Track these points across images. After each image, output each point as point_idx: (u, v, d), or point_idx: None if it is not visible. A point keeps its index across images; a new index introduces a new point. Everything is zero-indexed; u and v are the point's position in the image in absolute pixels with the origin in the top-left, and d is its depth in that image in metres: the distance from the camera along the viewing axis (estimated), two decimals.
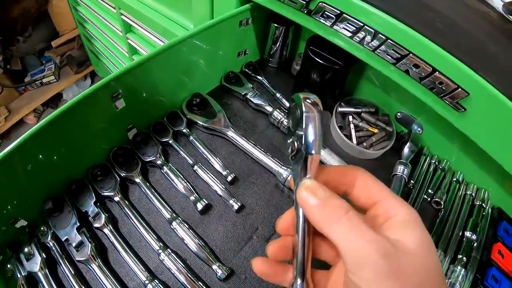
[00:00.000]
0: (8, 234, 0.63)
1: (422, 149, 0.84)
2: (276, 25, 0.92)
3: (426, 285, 0.29)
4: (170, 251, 0.63)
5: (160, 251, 0.62)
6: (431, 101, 0.62)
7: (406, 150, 0.79)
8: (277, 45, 0.96)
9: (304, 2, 0.66)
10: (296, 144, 0.33)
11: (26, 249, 0.62)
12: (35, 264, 0.61)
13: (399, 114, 0.82)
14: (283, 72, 1.01)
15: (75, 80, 2.68)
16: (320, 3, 0.64)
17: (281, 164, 0.74)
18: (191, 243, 0.63)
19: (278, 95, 0.91)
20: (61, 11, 2.39)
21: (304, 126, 0.32)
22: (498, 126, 0.56)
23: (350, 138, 0.81)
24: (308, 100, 0.32)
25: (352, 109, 0.85)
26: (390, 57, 0.61)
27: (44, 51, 2.64)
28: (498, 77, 0.54)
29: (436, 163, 0.83)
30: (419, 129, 0.80)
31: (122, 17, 1.48)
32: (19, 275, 0.60)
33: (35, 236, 0.65)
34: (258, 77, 0.94)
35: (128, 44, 1.57)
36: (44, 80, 2.52)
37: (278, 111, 0.84)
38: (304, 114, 0.32)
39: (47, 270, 0.61)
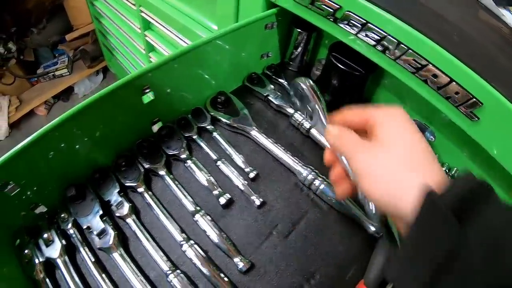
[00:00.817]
0: (26, 219, 0.64)
1: None
2: (299, 30, 0.93)
3: (408, 155, 0.41)
4: (192, 242, 0.64)
5: (183, 242, 0.64)
6: (446, 109, 0.64)
7: None
8: (298, 50, 0.98)
9: (332, 10, 0.68)
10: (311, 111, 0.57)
11: (45, 235, 0.63)
12: (55, 251, 0.61)
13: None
14: (303, 76, 1.03)
15: (88, 74, 2.70)
16: (347, 12, 0.66)
17: (301, 164, 0.75)
18: (214, 235, 0.65)
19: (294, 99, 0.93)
20: (76, 5, 2.42)
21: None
22: (509, 135, 0.58)
23: None
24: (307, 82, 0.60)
25: None
26: (410, 67, 0.63)
27: (57, 44, 2.67)
28: (510, 89, 0.56)
29: (447, 170, 0.84)
30: (431, 137, 0.83)
31: (142, 14, 1.50)
32: (37, 261, 0.60)
33: (54, 222, 0.66)
34: (280, 79, 0.96)
35: (145, 41, 1.59)
36: (57, 73, 2.55)
37: (299, 113, 0.86)
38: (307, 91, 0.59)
39: (66, 257, 0.62)
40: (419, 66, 0.62)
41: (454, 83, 0.59)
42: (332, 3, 0.67)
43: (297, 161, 0.76)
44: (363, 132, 0.47)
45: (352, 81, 0.86)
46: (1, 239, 0.61)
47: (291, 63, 1.02)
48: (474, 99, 0.58)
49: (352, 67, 0.82)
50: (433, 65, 0.60)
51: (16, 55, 2.41)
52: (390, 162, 0.41)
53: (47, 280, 0.60)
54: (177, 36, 1.34)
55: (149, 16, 1.47)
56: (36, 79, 2.59)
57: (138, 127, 0.76)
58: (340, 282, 0.64)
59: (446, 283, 0.32)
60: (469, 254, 0.32)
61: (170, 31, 1.38)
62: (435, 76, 0.61)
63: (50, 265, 0.61)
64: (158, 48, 1.55)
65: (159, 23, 1.42)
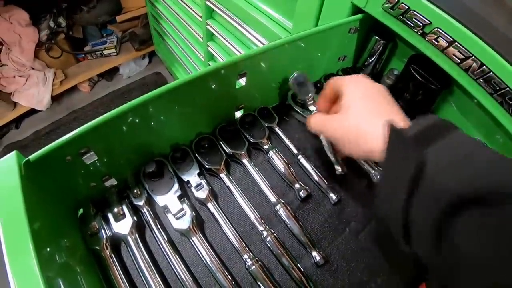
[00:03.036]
0: (95, 191, 0.64)
1: None
2: (377, 37, 0.94)
3: (369, 108, 0.51)
4: (272, 231, 0.65)
5: (263, 230, 0.64)
6: None
7: None
8: (373, 57, 0.99)
9: (421, 24, 0.69)
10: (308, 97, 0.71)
11: (115, 209, 0.62)
12: (126, 226, 0.61)
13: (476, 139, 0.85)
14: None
15: (134, 57, 2.75)
16: (436, 29, 0.67)
17: (374, 167, 0.76)
18: (295, 226, 0.65)
19: None
20: None
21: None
22: None
23: None
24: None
25: None
26: (489, 88, 0.64)
27: (106, 24, 2.72)
28: None
29: None
30: None
31: (207, 2, 1.51)
32: (104, 235, 0.59)
33: (124, 197, 0.66)
34: None
35: (206, 29, 1.61)
36: (105, 52, 2.60)
37: None
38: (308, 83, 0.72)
39: (137, 234, 0.61)
40: (498, 88, 0.63)
41: None
42: (423, 18, 0.68)
43: (371, 164, 0.76)
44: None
45: (426, 94, 0.86)
46: (66, 208, 0.60)
47: (363, 68, 1.03)
48: None
49: (429, 80, 0.83)
50: (511, 89, 0.61)
51: (65, 31, 2.46)
52: (357, 119, 0.51)
53: (113, 255, 0.59)
54: (244, 28, 1.35)
55: (214, 5, 1.48)
56: (83, 55, 2.64)
57: (223, 111, 0.76)
58: (404, 282, 0.65)
59: (418, 195, 0.38)
60: (431, 168, 0.37)
61: (236, 22, 1.38)
62: (511, 99, 0.62)
63: (114, 241, 0.61)
64: (218, 37, 1.56)
65: (224, 13, 1.43)
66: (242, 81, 0.72)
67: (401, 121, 0.47)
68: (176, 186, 0.66)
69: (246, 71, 0.69)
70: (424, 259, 0.41)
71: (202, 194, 0.67)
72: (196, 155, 0.72)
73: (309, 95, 0.71)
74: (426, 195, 0.37)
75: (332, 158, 0.65)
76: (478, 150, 0.37)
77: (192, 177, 0.69)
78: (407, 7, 0.70)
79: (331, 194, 0.71)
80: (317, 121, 0.59)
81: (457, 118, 0.90)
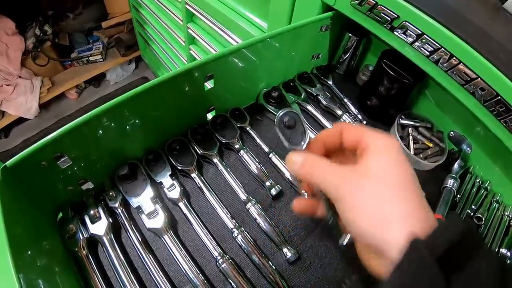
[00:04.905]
0: (72, 194, 0.65)
1: (468, 168, 0.87)
2: (350, 34, 0.95)
3: (398, 191, 0.37)
4: (243, 229, 0.65)
5: (234, 229, 0.65)
6: (489, 122, 0.66)
7: (456, 166, 0.83)
8: (347, 54, 1.00)
9: (389, 19, 0.69)
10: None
11: (91, 212, 0.63)
12: (101, 228, 0.62)
13: (452, 132, 0.87)
14: (348, 80, 1.04)
15: (121, 62, 2.75)
16: (404, 22, 0.68)
17: None
18: (265, 224, 0.66)
19: (345, 100, 0.94)
20: None
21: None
22: None
23: (408, 148, 0.85)
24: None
25: (412, 123, 0.88)
26: (460, 79, 0.65)
27: (92, 31, 2.72)
28: None
29: (480, 182, 0.85)
30: (468, 148, 0.85)
31: (187, 6, 1.52)
32: (81, 236, 0.60)
33: (100, 200, 0.67)
34: (328, 81, 0.97)
35: (187, 33, 1.62)
36: (91, 58, 2.60)
37: (347, 114, 0.88)
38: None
39: (112, 235, 0.62)
40: (469, 79, 0.63)
41: (499, 97, 0.61)
42: (390, 12, 0.69)
43: None
44: (338, 151, 0.47)
45: (400, 88, 0.87)
46: (45, 212, 0.61)
47: (338, 66, 1.04)
48: None
49: (402, 75, 0.83)
50: (482, 79, 0.62)
51: (51, 38, 2.46)
52: (379, 195, 0.37)
53: (90, 256, 0.60)
54: (222, 30, 1.36)
55: (194, 9, 1.49)
56: (69, 62, 2.64)
57: (193, 113, 0.77)
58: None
59: None
60: None
61: (215, 24, 1.39)
62: (482, 89, 0.63)
63: (92, 242, 0.62)
64: (199, 40, 1.57)
65: (204, 16, 1.44)
66: (209, 84, 0.72)
67: (427, 215, 0.36)
68: (149, 187, 0.68)
69: (213, 73, 0.70)
70: None
71: (174, 194, 0.68)
72: (169, 157, 0.72)
73: (302, 144, 0.46)
74: None
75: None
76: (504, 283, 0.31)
77: (165, 178, 0.70)
78: (374, 2, 0.71)
79: (303, 191, 0.71)
80: (314, 166, 0.42)
81: (435, 112, 0.91)
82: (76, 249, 0.60)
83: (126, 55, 2.72)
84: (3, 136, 2.47)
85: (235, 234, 0.64)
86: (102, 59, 2.65)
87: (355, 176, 0.39)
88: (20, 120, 2.52)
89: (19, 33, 2.31)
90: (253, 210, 0.68)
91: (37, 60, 2.44)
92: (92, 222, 0.62)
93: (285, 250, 0.64)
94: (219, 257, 0.61)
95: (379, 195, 0.37)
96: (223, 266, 0.60)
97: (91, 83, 2.79)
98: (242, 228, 0.66)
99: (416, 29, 0.67)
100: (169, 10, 1.72)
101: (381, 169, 0.38)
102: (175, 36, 1.79)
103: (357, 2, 0.74)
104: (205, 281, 0.59)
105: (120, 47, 2.69)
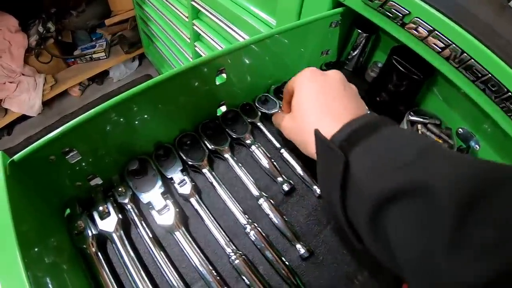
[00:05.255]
0: (80, 190, 0.64)
1: None
2: (359, 31, 0.94)
3: (312, 110, 0.53)
4: (256, 225, 0.64)
5: (246, 224, 0.64)
6: (500, 118, 0.66)
7: None
8: (356, 51, 0.99)
9: (400, 15, 0.69)
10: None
11: (100, 208, 0.62)
12: (110, 224, 0.61)
13: (460, 129, 0.86)
14: (356, 76, 1.04)
15: (124, 60, 2.75)
16: (415, 19, 0.67)
17: None
18: (278, 220, 0.65)
19: None
20: None
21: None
22: None
23: None
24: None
25: (420, 119, 0.88)
26: (471, 75, 0.64)
27: (95, 28, 2.72)
28: None
29: None
30: (476, 145, 0.84)
31: (193, 2, 1.51)
32: (90, 233, 0.59)
33: (109, 196, 0.66)
34: None
35: (193, 30, 1.61)
36: (94, 56, 2.60)
37: None
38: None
39: (122, 232, 0.61)
40: (480, 75, 0.63)
41: (510, 93, 0.61)
42: (402, 8, 0.68)
43: None
44: None
45: (409, 84, 0.87)
46: (53, 207, 0.60)
47: (347, 62, 1.03)
48: None
49: (411, 71, 0.83)
50: (493, 76, 0.61)
51: (55, 36, 2.46)
52: (300, 120, 0.54)
53: (99, 253, 0.59)
54: (229, 27, 1.35)
55: (200, 5, 1.48)
56: (72, 60, 2.64)
57: (204, 107, 0.77)
58: (392, 275, 0.65)
59: (349, 200, 0.42)
60: (355, 170, 0.40)
61: (221, 21, 1.39)
62: (493, 86, 0.62)
63: (99, 239, 0.61)
64: (205, 38, 1.56)
65: (210, 13, 1.43)
66: (222, 77, 0.72)
67: (349, 117, 0.48)
68: (159, 183, 0.67)
69: (225, 67, 0.69)
70: (372, 253, 0.43)
71: (185, 190, 0.67)
72: (179, 152, 0.72)
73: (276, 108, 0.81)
74: (355, 196, 0.40)
75: None
76: (400, 144, 0.40)
77: (175, 173, 0.69)
78: None
79: (315, 187, 0.71)
80: (275, 120, 0.66)
81: (443, 109, 0.90)
82: (85, 246, 0.58)
83: (129, 52, 2.72)
84: (5, 134, 2.47)
85: (248, 229, 0.64)
86: (105, 57, 2.65)
87: (288, 114, 0.59)
88: (23, 118, 2.52)
89: (22, 30, 2.31)
90: (266, 205, 0.67)
91: (40, 57, 2.44)
92: (101, 218, 0.61)
93: (298, 246, 0.63)
94: (231, 253, 0.61)
95: (303, 120, 0.53)
96: (236, 262, 0.60)
97: (94, 81, 2.79)
98: (255, 224, 0.65)
99: (428, 25, 0.66)
100: (174, 7, 1.71)
101: (300, 98, 0.55)
102: (180, 33, 1.78)
103: None
104: (218, 277, 0.59)
105: (124, 45, 2.68)
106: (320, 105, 0.52)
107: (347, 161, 0.41)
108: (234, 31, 1.33)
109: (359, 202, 0.40)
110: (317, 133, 0.46)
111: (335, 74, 0.57)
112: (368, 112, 0.58)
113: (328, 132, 0.46)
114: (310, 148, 0.51)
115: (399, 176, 0.36)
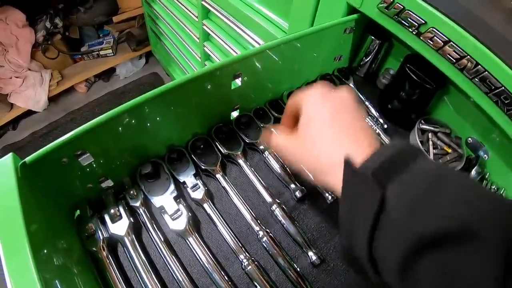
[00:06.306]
0: (91, 192, 0.64)
1: (484, 174, 0.87)
2: (373, 37, 0.94)
3: (327, 135, 0.46)
4: (268, 231, 0.64)
5: (259, 231, 0.64)
6: (510, 130, 0.66)
7: (473, 172, 0.83)
8: (368, 57, 0.99)
9: (416, 24, 0.69)
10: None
11: (112, 211, 0.61)
12: (122, 227, 0.60)
13: (470, 139, 0.88)
14: (368, 83, 1.04)
15: (131, 57, 2.75)
16: (431, 29, 0.67)
17: None
18: (291, 227, 0.65)
19: (367, 103, 0.94)
20: None
21: None
22: None
23: (428, 153, 0.85)
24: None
25: (431, 128, 0.88)
26: (484, 87, 0.65)
27: (102, 25, 2.72)
28: None
29: (496, 189, 0.85)
30: (485, 155, 0.85)
31: (203, 2, 1.51)
32: (101, 236, 0.59)
33: (120, 199, 0.65)
34: (350, 83, 0.97)
35: (202, 30, 1.61)
36: (101, 53, 2.60)
37: (369, 118, 0.88)
38: None
39: (133, 235, 0.61)
40: (493, 88, 0.63)
41: None
42: (418, 18, 0.68)
43: None
44: None
45: (422, 93, 0.87)
46: (63, 209, 0.60)
47: (359, 68, 1.03)
48: None
49: (424, 80, 0.83)
50: (506, 89, 0.62)
51: (62, 31, 2.46)
52: (311, 145, 0.46)
53: (110, 257, 0.59)
54: (240, 28, 1.35)
55: (210, 5, 1.48)
56: (79, 56, 2.63)
57: (218, 111, 0.76)
58: None
59: (379, 238, 0.36)
60: (392, 210, 0.35)
61: (232, 22, 1.38)
62: (506, 98, 0.62)
63: (110, 241, 0.61)
64: (215, 38, 1.56)
65: (220, 13, 1.43)
66: (237, 82, 0.72)
67: (367, 147, 0.42)
68: (172, 187, 0.66)
69: (241, 72, 0.69)
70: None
71: (198, 194, 0.67)
72: (192, 155, 0.71)
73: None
74: (389, 233, 0.36)
75: None
76: (439, 183, 0.35)
77: (188, 177, 0.69)
78: (402, 7, 0.71)
79: (327, 194, 0.71)
80: (272, 141, 0.54)
81: (453, 118, 0.90)
82: (95, 249, 0.58)
83: (136, 50, 2.72)
84: (11, 128, 2.47)
85: (260, 235, 0.64)
86: (112, 54, 2.65)
87: (296, 137, 0.49)
88: (29, 113, 2.52)
89: (29, 25, 2.31)
90: (278, 212, 0.67)
91: (47, 53, 2.44)
92: (113, 221, 0.61)
93: (310, 253, 0.63)
94: (244, 259, 0.61)
95: (315, 146, 0.46)
96: (248, 268, 0.60)
97: (101, 78, 2.79)
98: (267, 230, 0.65)
99: (443, 36, 0.66)
100: (184, 6, 1.71)
101: (309, 120, 0.48)
102: (189, 32, 1.78)
103: (385, 5, 0.73)
104: (230, 283, 0.58)
105: (131, 42, 2.68)
106: (337, 127, 0.46)
107: (382, 195, 0.36)
108: (245, 32, 1.33)
109: (391, 241, 0.36)
110: (347, 162, 0.39)
111: (348, 94, 0.50)
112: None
113: (352, 159, 0.40)
114: (329, 177, 0.44)
115: (440, 219, 0.33)
